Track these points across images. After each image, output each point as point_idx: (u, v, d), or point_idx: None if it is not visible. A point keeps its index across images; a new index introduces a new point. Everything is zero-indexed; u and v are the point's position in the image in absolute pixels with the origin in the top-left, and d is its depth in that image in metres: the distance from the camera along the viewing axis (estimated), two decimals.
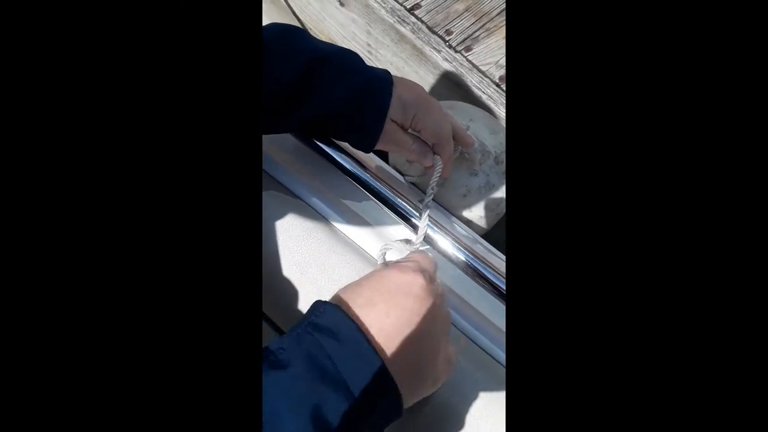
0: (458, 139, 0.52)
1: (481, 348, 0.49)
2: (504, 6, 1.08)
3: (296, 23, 1.20)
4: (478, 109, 0.60)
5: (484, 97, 1.01)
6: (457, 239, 0.50)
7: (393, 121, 0.47)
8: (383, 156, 0.61)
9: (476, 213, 0.58)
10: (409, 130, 0.49)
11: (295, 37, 0.45)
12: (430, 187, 0.49)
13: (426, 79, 1.08)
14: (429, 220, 0.48)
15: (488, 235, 0.63)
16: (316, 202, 0.55)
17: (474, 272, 0.48)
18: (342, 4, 1.09)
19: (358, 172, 0.51)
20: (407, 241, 0.48)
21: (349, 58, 0.47)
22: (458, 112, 0.57)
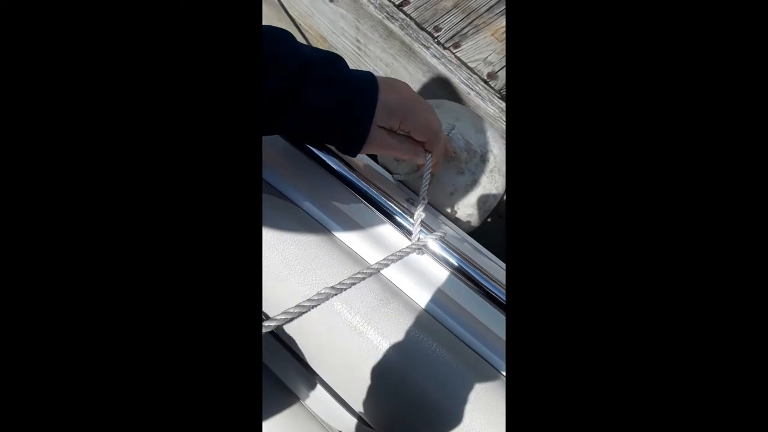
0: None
1: (479, 355, 0.50)
2: (492, 3, 1.08)
3: (286, 19, 1.19)
4: (464, 107, 0.60)
5: (472, 94, 1.02)
6: (447, 241, 0.50)
7: (380, 127, 0.48)
8: (372, 154, 0.61)
9: (463, 211, 0.59)
10: (399, 131, 0.50)
11: (277, 44, 0.45)
12: (423, 184, 0.50)
13: (415, 76, 1.08)
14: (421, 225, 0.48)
15: (474, 232, 0.63)
16: (302, 202, 0.55)
17: (462, 273, 0.49)
18: (331, 0, 1.09)
19: (344, 173, 0.51)
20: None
21: (332, 65, 0.47)
22: (445, 111, 0.58)
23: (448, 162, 0.56)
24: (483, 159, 0.56)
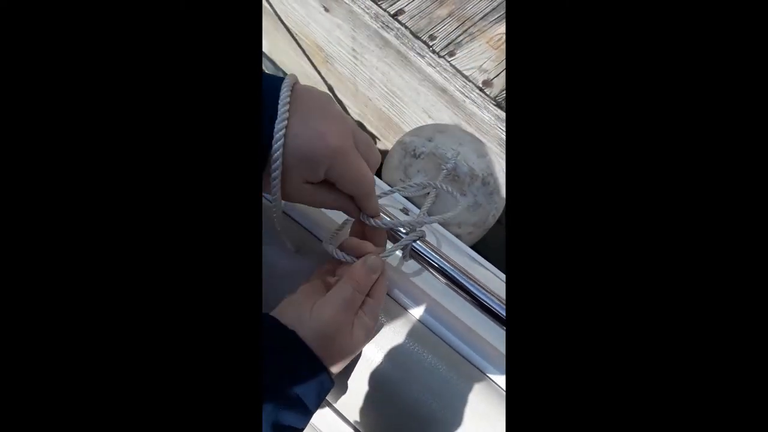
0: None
1: (475, 366, 0.51)
2: (486, 11, 1.10)
3: (282, 29, 1.20)
4: (467, 132, 0.63)
5: (467, 102, 1.03)
6: (446, 256, 0.51)
7: (306, 182, 0.39)
8: (377, 171, 0.63)
9: (464, 229, 0.61)
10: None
11: None
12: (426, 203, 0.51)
13: (411, 84, 1.10)
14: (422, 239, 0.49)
15: (474, 247, 0.66)
16: (291, 211, 0.55)
17: (458, 285, 0.50)
18: (326, 10, 1.10)
19: None
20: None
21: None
22: (448, 137, 0.60)
23: (452, 184, 0.58)
24: (484, 182, 0.58)
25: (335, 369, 0.44)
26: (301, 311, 0.43)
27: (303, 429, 0.42)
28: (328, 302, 0.43)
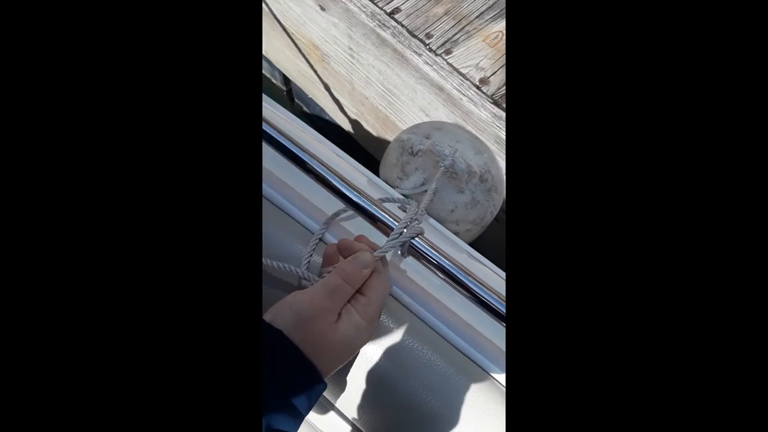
0: None
1: (474, 362, 0.51)
2: (483, 9, 1.10)
3: (278, 28, 1.20)
4: (465, 130, 0.62)
5: (464, 100, 1.04)
6: (444, 252, 0.51)
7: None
8: (374, 168, 0.63)
9: (462, 227, 0.61)
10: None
11: None
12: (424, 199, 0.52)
13: (408, 82, 1.10)
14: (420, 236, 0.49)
15: (473, 244, 0.66)
16: (294, 211, 0.55)
17: (457, 282, 0.49)
18: (323, 9, 1.10)
19: (336, 182, 0.50)
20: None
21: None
22: (445, 134, 0.60)
23: (449, 181, 0.58)
24: (482, 179, 0.58)
25: (323, 365, 0.42)
26: (282, 304, 0.42)
27: None
28: (309, 289, 0.43)
